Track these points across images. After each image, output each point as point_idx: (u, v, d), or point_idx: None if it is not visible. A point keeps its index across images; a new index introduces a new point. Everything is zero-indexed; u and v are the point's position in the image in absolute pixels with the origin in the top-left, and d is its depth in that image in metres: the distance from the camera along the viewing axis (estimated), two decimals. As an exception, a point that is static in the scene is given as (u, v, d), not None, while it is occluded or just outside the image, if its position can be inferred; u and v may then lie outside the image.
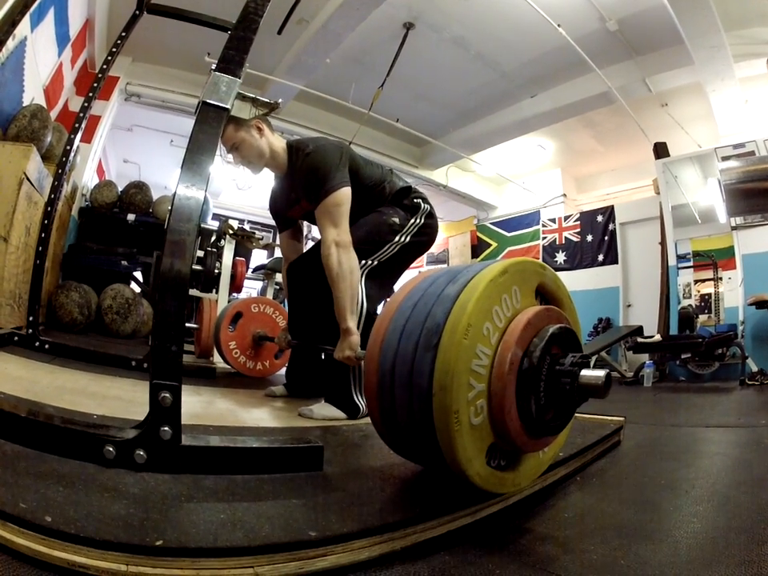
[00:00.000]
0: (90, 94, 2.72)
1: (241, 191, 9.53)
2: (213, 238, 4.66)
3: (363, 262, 2.02)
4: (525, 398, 0.94)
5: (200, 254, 4.13)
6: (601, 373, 0.94)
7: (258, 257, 7.80)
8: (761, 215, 5.68)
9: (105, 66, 2.75)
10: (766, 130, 5.78)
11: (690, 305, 6.39)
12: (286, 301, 2.65)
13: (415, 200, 2.24)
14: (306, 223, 2.56)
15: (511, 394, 0.93)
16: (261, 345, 3.09)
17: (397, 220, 2.15)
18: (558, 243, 8.64)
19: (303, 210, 2.24)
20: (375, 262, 2.08)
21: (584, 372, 0.95)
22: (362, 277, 2.01)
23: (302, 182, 2.08)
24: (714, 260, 6.35)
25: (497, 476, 0.99)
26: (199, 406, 1.93)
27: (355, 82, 6.47)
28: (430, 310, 0.96)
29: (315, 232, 2.75)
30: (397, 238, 2.13)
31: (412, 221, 2.18)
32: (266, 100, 1.51)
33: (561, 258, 8.56)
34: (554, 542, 1.00)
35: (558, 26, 5.31)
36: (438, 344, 0.90)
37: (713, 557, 0.92)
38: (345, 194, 1.98)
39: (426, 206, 2.25)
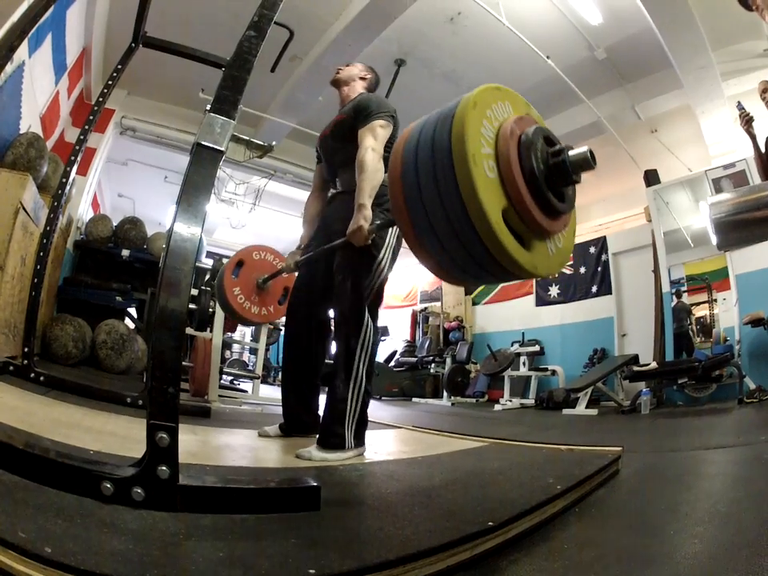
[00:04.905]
0: (86, 126, 2.70)
1: (235, 229, 9.55)
2: (207, 277, 4.66)
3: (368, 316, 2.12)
4: (527, 161, 1.08)
5: (194, 292, 4.13)
6: (584, 148, 1.10)
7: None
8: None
9: (101, 99, 2.73)
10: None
11: (683, 308, 6.43)
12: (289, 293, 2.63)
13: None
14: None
15: (515, 156, 1.07)
16: (264, 290, 3.07)
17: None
18: (551, 277, 8.59)
19: (332, 125, 2.46)
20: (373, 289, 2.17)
21: (571, 151, 1.11)
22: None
23: (353, 104, 2.36)
24: (708, 282, 6.35)
25: (514, 243, 1.05)
26: (195, 445, 1.92)
27: (348, 120, 6.52)
28: (440, 113, 1.12)
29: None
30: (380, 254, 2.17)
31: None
32: (260, 142, 1.53)
33: (554, 291, 8.58)
34: (553, 572, 1.00)
35: (548, 57, 5.42)
36: (452, 120, 1.05)
37: (715, 574, 0.92)
38: (390, 124, 2.24)
39: None
